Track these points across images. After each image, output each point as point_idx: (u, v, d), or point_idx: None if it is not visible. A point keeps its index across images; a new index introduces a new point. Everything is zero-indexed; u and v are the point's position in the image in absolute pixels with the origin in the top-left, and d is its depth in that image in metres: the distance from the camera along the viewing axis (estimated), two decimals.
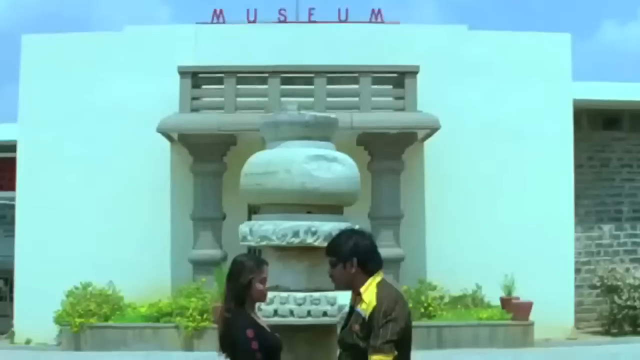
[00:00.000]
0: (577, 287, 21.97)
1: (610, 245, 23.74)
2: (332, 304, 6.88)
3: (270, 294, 6.62)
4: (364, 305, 5.51)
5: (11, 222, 21.65)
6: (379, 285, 5.58)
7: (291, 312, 6.83)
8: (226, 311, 5.85)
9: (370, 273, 5.62)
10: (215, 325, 6.04)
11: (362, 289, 5.58)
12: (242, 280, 5.84)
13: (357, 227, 6.37)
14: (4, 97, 62.02)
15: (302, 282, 6.96)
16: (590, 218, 23.56)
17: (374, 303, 5.47)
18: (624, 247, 23.81)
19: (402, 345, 5.51)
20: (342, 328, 5.84)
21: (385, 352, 5.34)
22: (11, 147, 21.88)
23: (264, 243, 7.07)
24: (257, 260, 6.02)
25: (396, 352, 5.35)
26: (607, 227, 23.75)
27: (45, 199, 20.82)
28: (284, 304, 6.86)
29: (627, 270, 22.05)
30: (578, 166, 22.23)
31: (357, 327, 5.53)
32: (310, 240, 6.94)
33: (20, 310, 20.62)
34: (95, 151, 20.98)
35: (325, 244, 6.80)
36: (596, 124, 24.09)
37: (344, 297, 6.82)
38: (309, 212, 7.13)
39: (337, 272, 5.69)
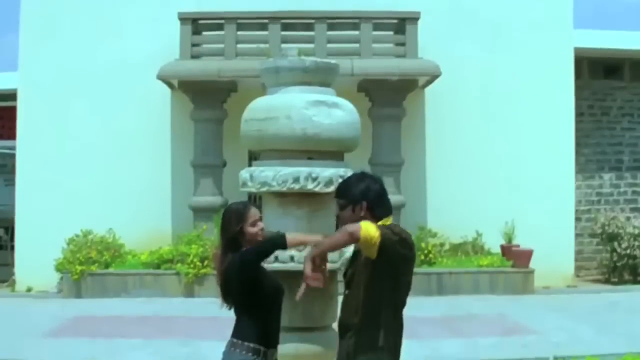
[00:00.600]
0: (577, 235, 22.04)
1: (611, 194, 23.77)
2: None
3: None
4: None
5: (11, 171, 21.63)
6: (389, 225, 5.56)
7: (291, 258, 6.79)
8: (221, 264, 5.84)
9: (379, 218, 5.57)
10: (215, 273, 6.03)
11: None
12: (233, 228, 5.83)
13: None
14: (5, 46, 61.74)
15: (302, 228, 6.91)
16: (591, 167, 23.58)
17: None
18: (624, 196, 23.85)
19: (398, 285, 5.49)
20: (345, 273, 5.81)
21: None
22: (11, 95, 21.82)
23: (264, 189, 7.03)
24: (243, 204, 6.00)
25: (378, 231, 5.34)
26: (607, 176, 23.76)
27: (46, 147, 20.79)
28: (284, 250, 6.84)
29: (628, 219, 22.10)
30: (578, 114, 22.19)
31: (363, 256, 5.51)
32: (310, 186, 6.90)
33: (21, 259, 20.68)
34: (96, 98, 20.90)
35: (326, 190, 6.80)
36: (597, 72, 24.04)
37: None
38: (309, 158, 7.08)
39: (345, 214, 5.66)
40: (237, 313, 5.83)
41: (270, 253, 5.81)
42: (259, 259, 5.72)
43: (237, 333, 5.76)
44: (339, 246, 5.55)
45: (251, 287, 5.69)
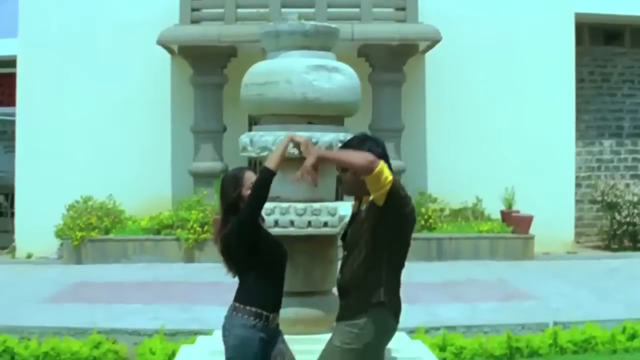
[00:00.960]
0: (577, 201, 22.06)
1: (611, 160, 23.76)
2: (333, 215, 6.84)
3: (270, 205, 6.60)
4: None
5: (11, 138, 21.61)
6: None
7: (292, 223, 6.79)
8: (221, 230, 5.84)
9: None
10: (214, 239, 6.03)
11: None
12: (231, 194, 5.82)
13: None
14: (4, 12, 61.47)
15: (302, 193, 6.91)
16: (591, 133, 23.56)
17: None
18: (625, 162, 23.85)
19: (398, 243, 5.47)
20: (344, 235, 5.78)
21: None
22: (11, 62, 21.74)
23: (264, 154, 7.02)
24: (239, 169, 5.98)
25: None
26: (607, 143, 23.75)
27: (46, 113, 20.73)
28: (284, 214, 6.82)
29: (627, 186, 22.10)
30: (579, 81, 22.15)
31: (363, 214, 5.49)
32: None
33: (21, 225, 20.69)
34: (95, 65, 20.80)
35: None
36: (598, 38, 23.97)
37: (344, 208, 6.80)
38: (309, 123, 7.08)
39: (347, 176, 5.61)
40: (240, 277, 5.83)
41: (262, 190, 5.63)
42: (254, 206, 5.67)
43: (239, 297, 5.75)
44: (351, 165, 5.36)
45: (252, 251, 5.69)
